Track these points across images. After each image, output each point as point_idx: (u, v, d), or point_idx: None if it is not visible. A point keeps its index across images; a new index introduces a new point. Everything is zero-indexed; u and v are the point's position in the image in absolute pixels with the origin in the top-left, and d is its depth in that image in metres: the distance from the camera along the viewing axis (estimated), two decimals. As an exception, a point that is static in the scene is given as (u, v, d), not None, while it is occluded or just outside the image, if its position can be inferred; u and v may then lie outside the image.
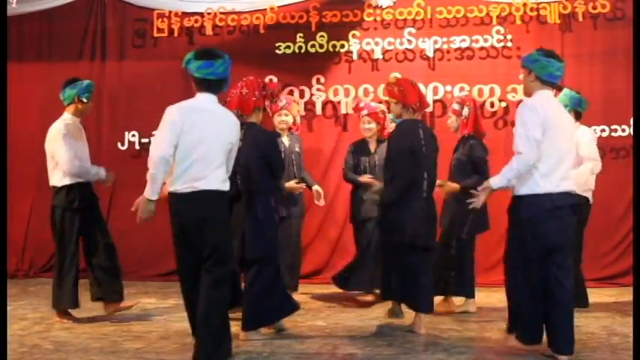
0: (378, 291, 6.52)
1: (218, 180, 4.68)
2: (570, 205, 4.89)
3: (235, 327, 5.26)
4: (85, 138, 6.43)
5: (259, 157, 5.42)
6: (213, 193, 4.65)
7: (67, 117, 6.27)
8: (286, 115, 7.04)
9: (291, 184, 6.72)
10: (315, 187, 7.13)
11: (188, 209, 4.65)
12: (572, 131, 5.04)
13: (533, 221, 4.80)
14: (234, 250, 5.01)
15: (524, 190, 4.84)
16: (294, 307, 5.71)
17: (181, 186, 4.64)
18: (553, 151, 4.79)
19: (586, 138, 6.41)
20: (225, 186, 4.75)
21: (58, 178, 6.23)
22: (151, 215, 4.68)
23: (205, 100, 4.76)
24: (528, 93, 5.02)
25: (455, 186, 6.26)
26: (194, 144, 4.62)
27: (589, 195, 6.51)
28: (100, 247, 6.27)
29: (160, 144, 4.63)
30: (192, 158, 4.62)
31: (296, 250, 7.13)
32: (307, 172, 7.27)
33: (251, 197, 5.41)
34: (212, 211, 4.65)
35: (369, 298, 6.98)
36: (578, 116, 6.52)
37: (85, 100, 6.26)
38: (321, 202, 7.19)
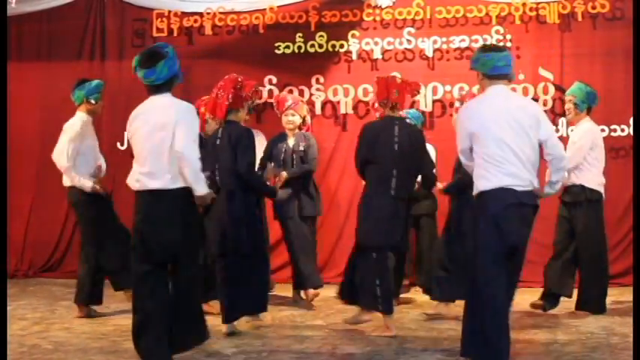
0: None
1: (170, 177, 4.64)
2: (532, 206, 4.68)
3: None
4: (96, 137, 6.51)
5: (233, 153, 5.48)
6: (163, 193, 4.64)
7: (81, 115, 6.37)
8: (293, 115, 7.04)
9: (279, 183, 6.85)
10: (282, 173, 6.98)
11: (142, 208, 4.71)
12: (528, 124, 4.62)
13: (499, 217, 4.54)
14: (196, 247, 4.93)
15: (487, 184, 4.61)
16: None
17: (138, 185, 4.72)
18: (500, 147, 4.56)
19: (578, 136, 6.45)
20: (177, 183, 4.67)
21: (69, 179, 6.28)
22: None
23: (155, 100, 4.79)
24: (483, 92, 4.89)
25: (439, 186, 6.25)
26: (142, 144, 4.71)
27: (601, 189, 6.47)
28: (112, 241, 6.33)
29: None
30: (143, 157, 4.70)
31: (308, 249, 7.05)
32: (308, 164, 7.02)
33: (231, 194, 5.44)
34: (163, 210, 4.64)
35: None
36: (588, 112, 6.55)
37: (93, 101, 6.37)
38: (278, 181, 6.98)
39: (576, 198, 6.42)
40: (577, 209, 6.43)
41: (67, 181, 6.31)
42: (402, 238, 5.77)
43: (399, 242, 5.74)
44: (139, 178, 4.70)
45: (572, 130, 6.80)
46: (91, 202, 6.26)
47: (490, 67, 4.73)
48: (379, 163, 5.66)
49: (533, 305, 6.52)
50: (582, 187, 6.40)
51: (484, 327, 4.51)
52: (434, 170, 6.18)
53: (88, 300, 6.31)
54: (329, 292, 7.70)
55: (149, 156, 4.66)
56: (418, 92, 6.45)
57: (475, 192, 4.70)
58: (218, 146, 5.65)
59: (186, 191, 4.68)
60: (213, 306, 5.97)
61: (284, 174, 6.90)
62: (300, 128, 7.10)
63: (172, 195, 4.64)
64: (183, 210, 4.69)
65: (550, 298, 6.48)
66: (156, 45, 5.01)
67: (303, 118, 7.14)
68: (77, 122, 6.29)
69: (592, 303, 6.38)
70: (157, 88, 4.76)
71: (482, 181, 4.63)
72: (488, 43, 5.03)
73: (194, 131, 4.72)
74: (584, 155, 6.40)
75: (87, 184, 6.24)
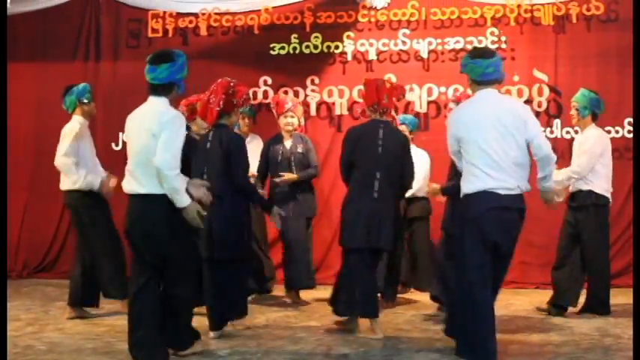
0: None
1: (157, 183, 4.64)
2: (518, 209, 4.68)
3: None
4: (92, 141, 6.49)
5: (224, 157, 5.47)
6: (149, 197, 4.67)
7: (78, 118, 6.38)
8: (292, 117, 7.10)
9: (282, 178, 6.88)
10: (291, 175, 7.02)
11: (130, 212, 4.78)
12: (514, 126, 4.63)
13: (480, 219, 4.58)
14: (184, 249, 4.89)
15: (470, 187, 4.67)
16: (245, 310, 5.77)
17: (128, 188, 4.78)
18: (483, 150, 4.61)
19: (585, 145, 6.44)
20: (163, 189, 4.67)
21: (72, 181, 6.24)
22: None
23: (150, 103, 4.84)
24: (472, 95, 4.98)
25: (435, 187, 6.19)
26: (131, 148, 4.80)
27: (608, 195, 6.49)
28: (108, 244, 6.31)
29: None
30: (132, 162, 4.76)
31: (303, 249, 7.09)
32: (313, 169, 7.14)
33: (220, 198, 5.41)
34: (150, 215, 4.67)
35: None
36: (594, 118, 6.54)
37: (85, 100, 6.37)
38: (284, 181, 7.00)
39: (583, 202, 6.41)
40: (583, 214, 6.41)
41: (65, 184, 6.27)
42: (393, 239, 5.72)
43: (385, 243, 5.66)
44: (129, 181, 4.77)
45: (578, 134, 6.73)
46: (91, 205, 6.23)
47: (478, 73, 4.77)
48: (362, 166, 5.66)
49: (539, 309, 6.51)
50: (589, 192, 6.39)
51: (474, 329, 4.56)
52: (413, 179, 5.95)
53: (81, 301, 6.29)
54: (323, 293, 7.71)
55: (137, 160, 4.71)
56: (403, 96, 6.53)
57: (461, 195, 4.78)
58: (208, 150, 5.60)
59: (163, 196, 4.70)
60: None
61: (293, 175, 6.93)
62: (294, 130, 7.13)
63: (160, 200, 4.64)
64: (170, 215, 4.68)
65: (558, 307, 6.45)
66: (173, 50, 5.02)
67: (299, 119, 7.18)
68: (76, 124, 6.30)
69: (600, 305, 6.40)
70: (154, 89, 4.81)
71: (466, 184, 4.71)
72: (479, 46, 5.04)
73: (175, 145, 4.63)
74: (595, 162, 6.40)
75: (96, 180, 6.22)
